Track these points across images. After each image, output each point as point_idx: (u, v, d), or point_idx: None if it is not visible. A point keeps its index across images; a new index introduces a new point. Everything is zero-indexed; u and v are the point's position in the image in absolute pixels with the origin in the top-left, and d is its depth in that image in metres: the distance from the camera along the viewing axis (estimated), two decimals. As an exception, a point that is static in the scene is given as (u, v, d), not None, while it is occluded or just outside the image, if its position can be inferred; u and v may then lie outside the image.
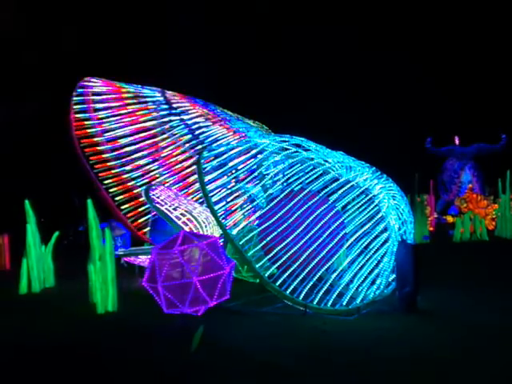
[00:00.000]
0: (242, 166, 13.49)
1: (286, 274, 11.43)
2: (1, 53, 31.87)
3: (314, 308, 11.14)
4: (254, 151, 13.19)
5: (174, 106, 18.63)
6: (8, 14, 32.32)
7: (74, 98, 18.08)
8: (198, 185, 14.79)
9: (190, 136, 18.63)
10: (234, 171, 13.52)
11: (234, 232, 12.71)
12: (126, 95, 18.49)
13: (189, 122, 18.70)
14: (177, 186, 18.20)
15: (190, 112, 18.69)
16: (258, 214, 12.95)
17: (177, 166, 18.67)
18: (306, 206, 12.03)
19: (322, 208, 12.15)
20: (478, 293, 13.33)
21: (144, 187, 15.53)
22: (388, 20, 43.34)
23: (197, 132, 18.71)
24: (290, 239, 11.68)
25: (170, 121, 18.52)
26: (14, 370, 8.26)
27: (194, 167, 14.06)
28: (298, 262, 11.52)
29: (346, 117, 39.76)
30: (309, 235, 11.74)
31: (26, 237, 15.19)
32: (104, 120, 18.32)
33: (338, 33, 41.39)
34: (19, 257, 15.28)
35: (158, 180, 18.31)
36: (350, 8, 43.18)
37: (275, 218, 12.01)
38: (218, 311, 10.86)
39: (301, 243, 11.66)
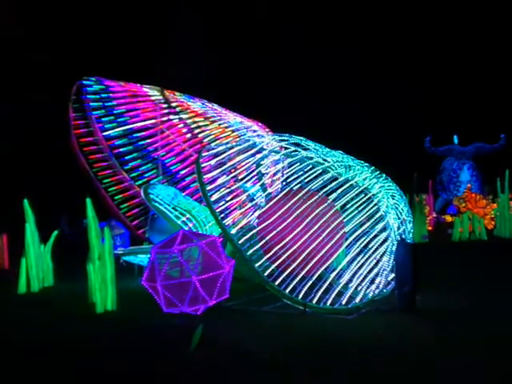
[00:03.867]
0: (242, 165, 13.46)
1: (286, 273, 11.43)
2: (1, 52, 31.85)
3: (313, 307, 11.14)
4: (253, 150, 13.17)
5: (173, 104, 18.62)
6: (9, 14, 32.30)
7: (73, 97, 18.04)
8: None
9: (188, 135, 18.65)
10: (233, 170, 13.51)
11: (234, 231, 12.70)
12: (125, 94, 18.47)
13: (188, 121, 18.70)
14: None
15: (188, 111, 18.68)
16: (257, 213, 12.95)
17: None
18: (306, 206, 12.02)
19: (321, 207, 12.14)
20: (477, 292, 13.33)
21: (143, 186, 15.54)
22: (388, 20, 43.34)
23: (196, 131, 18.71)
24: (289, 238, 11.67)
25: (169, 120, 18.51)
26: (13, 369, 8.25)
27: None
28: (298, 261, 11.52)
29: (345, 116, 39.75)
30: (308, 234, 11.73)
31: (24, 236, 15.19)
32: (102, 118, 18.30)
33: (337, 32, 41.42)
34: (18, 256, 15.29)
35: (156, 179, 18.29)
36: (349, 11, 43.24)
37: (274, 217, 12.00)
38: (217, 310, 10.86)
39: (300, 242, 11.65)
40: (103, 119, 18.22)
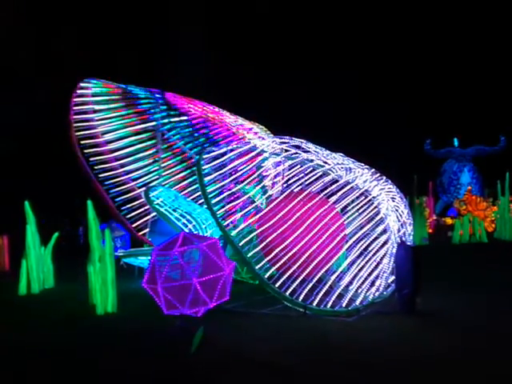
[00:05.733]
0: (243, 167, 13.47)
1: (286, 276, 11.43)
2: (1, 52, 31.87)
3: (313, 309, 11.15)
4: (253, 153, 13.19)
5: (174, 107, 18.62)
6: (8, 14, 32.33)
7: (74, 99, 18.01)
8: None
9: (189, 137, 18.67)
10: (233, 172, 13.51)
11: (234, 233, 12.71)
12: (125, 96, 18.47)
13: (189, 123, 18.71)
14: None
15: (189, 113, 18.69)
16: (257, 216, 12.95)
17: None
18: (306, 208, 12.02)
19: (322, 209, 12.14)
20: (477, 294, 13.33)
21: (144, 188, 15.54)
22: (390, 22, 43.39)
23: (196, 134, 18.72)
24: (289, 240, 11.67)
25: (170, 122, 18.51)
26: (14, 370, 8.26)
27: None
28: (298, 264, 11.52)
29: (345, 119, 39.79)
30: (308, 236, 11.72)
31: (25, 238, 15.21)
32: (104, 121, 18.28)
33: (336, 30, 41.48)
34: (19, 257, 15.30)
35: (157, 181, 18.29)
36: (350, 12, 43.28)
37: (275, 219, 12.00)
38: (217, 312, 10.86)
39: (300, 244, 11.65)
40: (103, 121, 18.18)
